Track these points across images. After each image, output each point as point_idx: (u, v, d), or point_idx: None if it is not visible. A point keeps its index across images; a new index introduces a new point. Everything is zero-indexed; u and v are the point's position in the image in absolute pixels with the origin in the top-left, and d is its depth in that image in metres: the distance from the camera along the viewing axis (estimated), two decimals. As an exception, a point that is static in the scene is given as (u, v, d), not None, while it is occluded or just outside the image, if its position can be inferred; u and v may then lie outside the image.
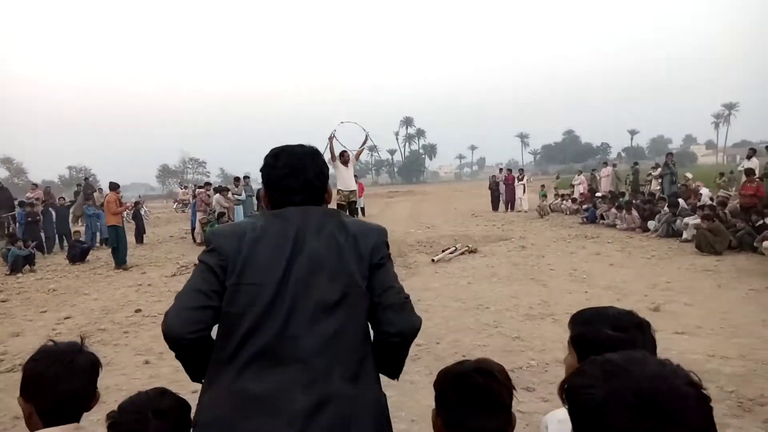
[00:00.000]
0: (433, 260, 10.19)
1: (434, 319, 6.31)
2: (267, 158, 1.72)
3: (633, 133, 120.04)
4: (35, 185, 20.64)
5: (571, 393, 0.89)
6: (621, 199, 15.80)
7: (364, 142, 11.10)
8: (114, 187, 12.54)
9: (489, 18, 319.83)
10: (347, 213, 10.96)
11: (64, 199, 17.87)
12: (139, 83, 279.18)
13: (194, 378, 1.63)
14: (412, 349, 5.54)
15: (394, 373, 1.78)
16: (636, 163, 25.24)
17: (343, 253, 1.56)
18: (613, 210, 15.06)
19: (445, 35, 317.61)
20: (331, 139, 10.83)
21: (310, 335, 1.47)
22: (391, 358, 1.70)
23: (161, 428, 1.54)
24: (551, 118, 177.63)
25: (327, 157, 11.36)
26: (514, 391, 1.43)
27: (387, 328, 1.59)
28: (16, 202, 17.95)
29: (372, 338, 1.64)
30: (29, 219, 15.05)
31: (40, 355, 1.58)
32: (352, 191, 11.11)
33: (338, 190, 11.20)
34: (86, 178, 28.06)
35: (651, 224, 13.04)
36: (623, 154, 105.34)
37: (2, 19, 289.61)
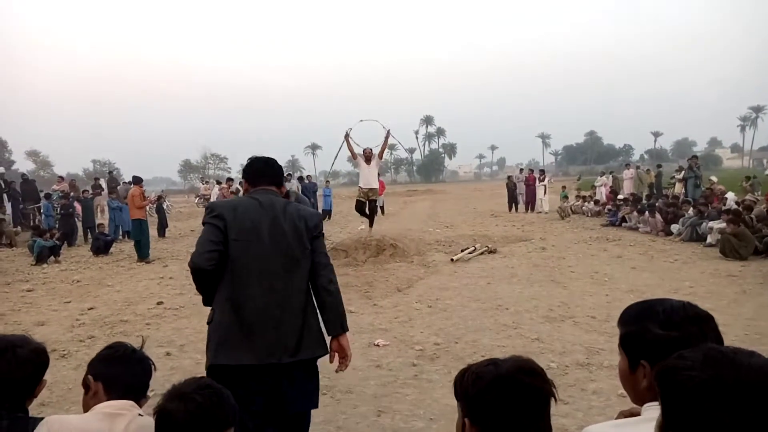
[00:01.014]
0: (452, 260, 10.17)
1: (453, 318, 6.30)
2: (248, 161, 2.75)
3: (656, 135, 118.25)
4: (61, 178, 21.02)
5: (666, 374, 0.88)
6: (643, 202, 15.60)
7: (386, 140, 11.04)
8: (138, 181, 12.74)
9: (511, 16, 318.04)
10: (367, 210, 11.07)
11: (88, 191, 18.18)
12: (163, 80, 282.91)
13: (206, 303, 2.56)
14: (431, 348, 5.54)
15: (337, 327, 2.61)
16: (659, 166, 24.88)
17: (298, 228, 2.53)
18: (636, 213, 14.87)
19: (467, 32, 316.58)
20: (346, 137, 10.84)
21: (283, 275, 2.47)
22: (328, 307, 2.58)
23: None
24: (573, 118, 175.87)
25: (347, 155, 11.39)
26: (554, 389, 1.26)
27: (316, 277, 2.57)
28: (42, 195, 18.35)
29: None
30: (63, 212, 15.36)
31: (109, 346, 1.92)
32: (371, 189, 11.06)
33: (359, 188, 11.22)
34: (110, 172, 28.51)
35: (674, 228, 12.85)
36: (646, 156, 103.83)
37: (26, 15, 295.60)
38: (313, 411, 3.98)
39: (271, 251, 2.45)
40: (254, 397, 2.34)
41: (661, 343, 1.20)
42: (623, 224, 15.30)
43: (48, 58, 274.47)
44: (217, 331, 2.38)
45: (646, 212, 14.20)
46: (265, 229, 2.46)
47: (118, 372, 1.77)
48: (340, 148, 11.19)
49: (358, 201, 11.21)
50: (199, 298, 2.64)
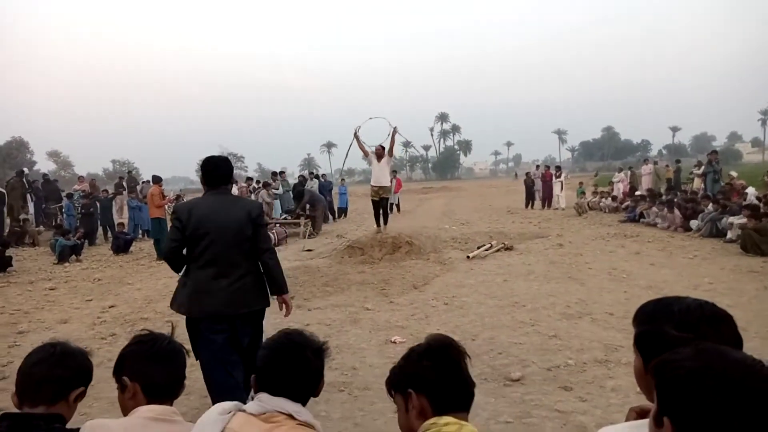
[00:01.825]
0: (468, 257, 10.14)
1: (469, 315, 6.30)
2: (203, 163, 3.52)
3: (675, 130, 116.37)
4: (82, 178, 21.31)
5: (660, 368, 0.93)
6: (662, 197, 15.42)
7: (392, 138, 10.85)
8: (157, 180, 12.90)
9: (526, 12, 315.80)
10: (380, 208, 11.05)
11: (108, 191, 18.41)
12: (181, 82, 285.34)
13: (176, 271, 3.57)
14: (448, 345, 5.45)
15: (279, 290, 3.59)
16: (678, 161, 24.57)
17: (242, 219, 3.39)
18: (654, 208, 14.70)
19: (482, 30, 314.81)
20: (356, 135, 10.83)
21: (230, 254, 3.38)
22: (270, 274, 3.52)
23: (316, 365, 1.72)
24: (590, 114, 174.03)
25: (361, 153, 11.38)
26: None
27: (260, 257, 3.50)
28: (63, 194, 18.63)
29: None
30: (84, 211, 15.59)
31: (141, 339, 1.82)
32: (381, 187, 11.01)
33: (371, 186, 11.23)
34: (129, 172, 28.83)
35: (693, 223, 12.68)
36: (664, 152, 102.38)
37: (46, 20, 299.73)
38: (330, 407, 4.03)
39: (220, 238, 3.33)
40: (218, 335, 3.36)
41: (676, 345, 1.12)
42: (641, 220, 15.14)
43: (67, 60, 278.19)
44: (188, 289, 3.41)
45: (665, 208, 14.03)
46: (215, 221, 3.34)
47: (156, 371, 1.72)
48: (350, 146, 11.20)
49: (373, 201, 11.22)
50: None
